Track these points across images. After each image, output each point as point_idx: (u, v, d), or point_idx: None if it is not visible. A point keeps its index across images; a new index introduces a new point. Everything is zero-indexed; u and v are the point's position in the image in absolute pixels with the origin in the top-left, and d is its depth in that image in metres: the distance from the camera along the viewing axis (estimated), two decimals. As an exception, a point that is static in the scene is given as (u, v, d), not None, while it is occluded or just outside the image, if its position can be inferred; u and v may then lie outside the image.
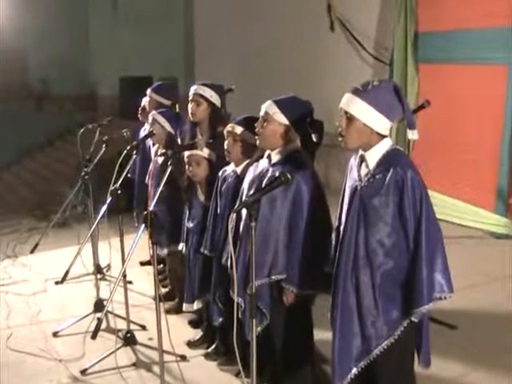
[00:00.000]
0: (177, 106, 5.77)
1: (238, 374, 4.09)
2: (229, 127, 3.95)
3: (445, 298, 2.82)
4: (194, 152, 4.29)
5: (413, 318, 2.85)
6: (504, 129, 7.21)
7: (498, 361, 4.23)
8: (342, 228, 3.02)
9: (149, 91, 5.81)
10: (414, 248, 2.80)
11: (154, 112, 5.18)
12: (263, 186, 3.31)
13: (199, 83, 4.70)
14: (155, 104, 5.65)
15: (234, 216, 3.54)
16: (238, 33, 12.15)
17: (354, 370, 2.96)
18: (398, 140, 7.45)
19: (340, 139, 2.92)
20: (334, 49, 10.00)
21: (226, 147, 3.96)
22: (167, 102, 5.70)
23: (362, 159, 2.94)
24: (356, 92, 2.84)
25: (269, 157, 3.53)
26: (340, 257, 2.97)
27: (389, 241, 2.83)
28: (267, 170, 3.49)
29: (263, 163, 3.57)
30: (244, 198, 3.55)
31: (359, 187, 2.91)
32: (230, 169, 4.06)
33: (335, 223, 3.21)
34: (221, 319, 4.11)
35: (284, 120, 3.43)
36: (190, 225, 4.44)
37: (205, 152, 4.28)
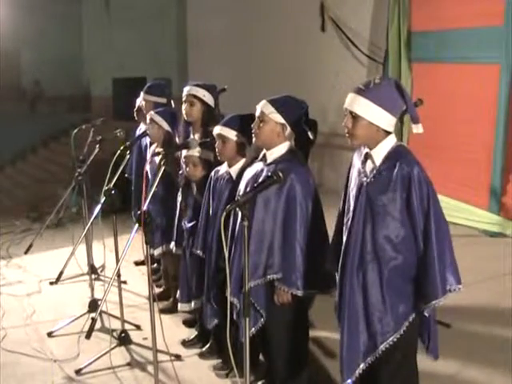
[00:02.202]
0: (172, 102, 5.78)
1: (228, 374, 4.11)
2: (218, 130, 3.91)
3: (454, 290, 2.85)
4: (191, 153, 4.29)
5: (425, 313, 2.88)
6: (497, 127, 7.23)
7: (491, 358, 4.24)
8: (347, 226, 3.02)
9: (142, 95, 5.80)
10: (424, 242, 2.82)
11: (151, 112, 5.19)
12: (255, 185, 3.31)
13: (192, 84, 4.71)
14: (151, 105, 5.65)
15: (230, 216, 3.57)
16: (231, 33, 12.16)
17: (362, 366, 2.97)
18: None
19: (348, 139, 2.94)
20: (327, 48, 10.02)
21: (217, 150, 3.95)
22: (162, 100, 5.71)
23: (367, 156, 2.96)
24: (359, 91, 2.86)
25: (264, 156, 3.54)
26: (346, 253, 2.97)
27: (397, 236, 2.85)
28: (262, 170, 3.50)
29: (259, 164, 3.58)
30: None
31: (365, 183, 2.92)
32: (223, 169, 4.05)
33: (334, 223, 3.22)
34: (216, 320, 4.08)
35: (280, 119, 3.43)
36: (188, 225, 4.44)
37: (200, 152, 4.29)
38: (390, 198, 2.84)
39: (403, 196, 2.82)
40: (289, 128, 3.45)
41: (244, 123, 3.77)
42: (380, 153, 2.91)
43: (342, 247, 3.03)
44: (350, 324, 2.96)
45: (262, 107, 3.47)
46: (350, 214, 3.00)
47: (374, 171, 2.91)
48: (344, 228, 3.07)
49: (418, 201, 2.79)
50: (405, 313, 2.92)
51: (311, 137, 3.45)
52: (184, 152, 4.34)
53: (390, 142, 2.91)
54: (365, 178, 2.94)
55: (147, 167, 5.12)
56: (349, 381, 2.97)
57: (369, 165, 2.95)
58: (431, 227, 2.79)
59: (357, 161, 3.05)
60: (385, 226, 2.86)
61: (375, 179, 2.90)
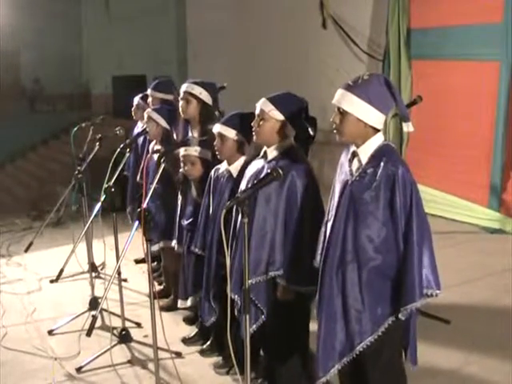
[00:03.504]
0: (178, 99, 5.78)
1: (229, 371, 4.12)
2: (218, 129, 3.91)
3: (431, 294, 2.78)
4: (189, 152, 4.30)
5: (400, 316, 2.82)
6: (497, 124, 7.24)
7: (491, 354, 4.25)
8: (330, 223, 3.00)
9: (149, 91, 5.78)
10: (404, 244, 2.78)
11: (148, 109, 5.20)
12: (255, 182, 3.31)
13: (190, 81, 4.71)
14: (158, 101, 5.64)
15: (232, 213, 3.58)
16: (231, 31, 12.14)
17: (337, 366, 2.94)
18: (395, 136, 7.48)
19: (336, 135, 2.93)
20: (327, 46, 10.02)
21: (216, 148, 3.95)
22: (169, 97, 5.70)
23: (354, 155, 2.94)
24: (347, 87, 2.85)
25: (265, 154, 3.54)
26: (327, 251, 2.95)
27: (378, 236, 2.81)
28: (263, 167, 3.49)
29: (259, 161, 3.58)
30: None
31: (350, 181, 2.90)
32: (222, 167, 4.05)
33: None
34: (213, 319, 4.08)
35: (280, 116, 3.43)
36: (185, 222, 4.45)
37: (198, 151, 4.29)
38: (373, 198, 2.80)
39: (387, 196, 2.78)
40: (289, 125, 3.46)
41: (244, 122, 3.77)
42: (367, 151, 2.87)
43: (324, 245, 3.01)
44: (327, 323, 2.93)
45: (262, 105, 3.46)
46: (333, 211, 2.98)
47: (360, 170, 2.88)
48: (326, 226, 3.04)
49: (402, 202, 2.75)
50: (384, 314, 2.87)
51: (312, 132, 3.45)
52: (182, 151, 4.34)
53: (377, 140, 2.87)
54: (350, 177, 2.91)
55: (146, 164, 5.13)
56: (323, 379, 2.96)
57: (355, 163, 2.92)
58: (412, 230, 2.75)
59: (345, 159, 3.02)
60: (367, 226, 2.82)
61: (360, 178, 2.87)
